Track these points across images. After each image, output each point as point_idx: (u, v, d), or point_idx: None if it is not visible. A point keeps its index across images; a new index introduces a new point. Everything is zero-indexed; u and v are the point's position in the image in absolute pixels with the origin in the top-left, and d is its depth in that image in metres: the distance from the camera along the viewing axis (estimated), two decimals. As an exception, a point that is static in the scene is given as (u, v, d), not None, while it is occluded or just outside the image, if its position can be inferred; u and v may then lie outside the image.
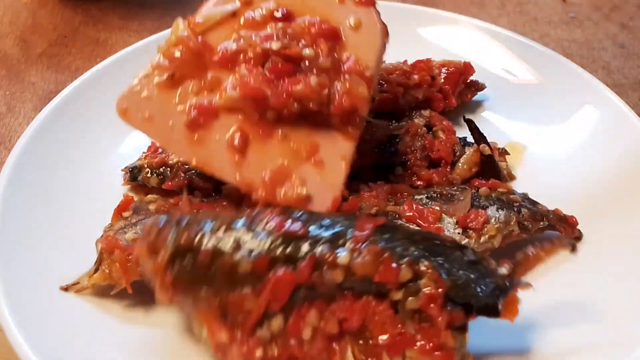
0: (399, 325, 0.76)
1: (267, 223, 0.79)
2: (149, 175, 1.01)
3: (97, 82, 1.18)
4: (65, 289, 0.88)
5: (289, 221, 0.79)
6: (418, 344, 0.75)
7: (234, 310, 0.76)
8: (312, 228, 0.79)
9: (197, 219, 0.81)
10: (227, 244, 0.78)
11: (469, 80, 1.20)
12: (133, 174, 1.03)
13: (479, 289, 0.77)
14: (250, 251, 0.77)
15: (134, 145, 1.09)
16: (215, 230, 0.79)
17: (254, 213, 0.82)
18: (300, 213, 0.81)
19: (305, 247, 0.77)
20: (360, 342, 0.77)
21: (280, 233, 0.78)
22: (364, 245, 0.77)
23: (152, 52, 1.22)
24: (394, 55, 1.21)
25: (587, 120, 1.14)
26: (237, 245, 0.78)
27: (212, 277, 0.77)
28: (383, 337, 0.76)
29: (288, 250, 0.77)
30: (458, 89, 1.18)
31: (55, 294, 0.87)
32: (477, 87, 1.21)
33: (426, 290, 0.75)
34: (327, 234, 0.78)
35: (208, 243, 0.78)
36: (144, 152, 1.05)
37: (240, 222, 0.80)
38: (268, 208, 0.81)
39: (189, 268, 0.78)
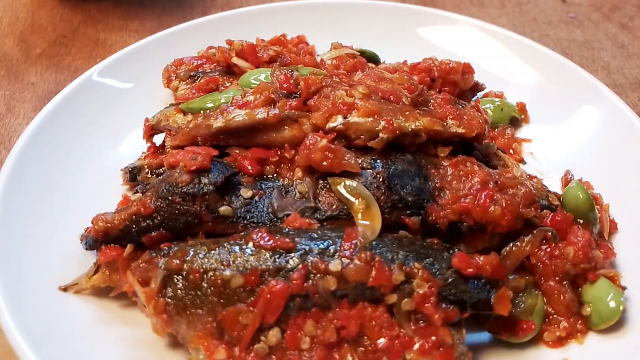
0: (397, 328, 0.77)
1: (255, 240, 0.80)
2: (148, 175, 1.01)
3: (96, 82, 1.17)
4: (64, 289, 0.88)
5: (277, 236, 0.81)
6: (417, 344, 0.76)
7: (230, 327, 0.77)
8: (300, 241, 0.80)
9: (185, 245, 0.82)
10: (217, 262, 0.79)
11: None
12: (132, 174, 1.02)
13: (470, 286, 0.79)
14: (241, 266, 0.78)
15: (134, 146, 1.09)
16: (205, 252, 0.80)
17: (241, 234, 0.83)
18: (287, 230, 0.83)
19: (295, 258, 0.78)
20: (360, 348, 0.77)
21: (269, 247, 0.79)
22: (353, 252, 0.79)
23: (152, 52, 1.23)
24: (394, 56, 1.21)
25: (586, 120, 1.14)
26: (228, 263, 0.79)
27: (205, 296, 0.78)
28: (382, 342, 0.77)
29: (278, 262, 0.78)
30: (458, 89, 1.18)
31: (55, 294, 0.87)
32: (477, 87, 1.21)
33: (419, 290, 0.77)
34: (316, 245, 0.80)
35: (198, 263, 0.79)
36: (143, 152, 1.05)
37: (229, 243, 0.81)
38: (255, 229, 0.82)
39: (181, 289, 0.79)
